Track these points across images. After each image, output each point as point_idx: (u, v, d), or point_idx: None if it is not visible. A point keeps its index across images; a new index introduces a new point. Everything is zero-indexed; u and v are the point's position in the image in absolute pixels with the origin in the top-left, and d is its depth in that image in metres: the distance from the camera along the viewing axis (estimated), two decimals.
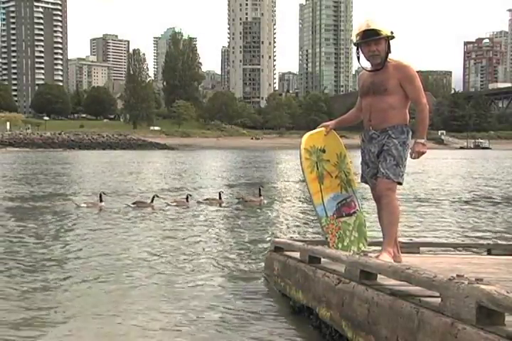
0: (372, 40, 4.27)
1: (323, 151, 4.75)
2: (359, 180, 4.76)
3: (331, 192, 4.73)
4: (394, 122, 4.30)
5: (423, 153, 4.26)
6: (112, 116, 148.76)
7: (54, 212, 11.72)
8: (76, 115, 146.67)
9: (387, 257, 4.14)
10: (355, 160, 5.14)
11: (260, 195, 13.69)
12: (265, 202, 13.61)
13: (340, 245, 4.69)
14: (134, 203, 12.77)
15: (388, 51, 4.32)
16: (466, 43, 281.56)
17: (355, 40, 4.38)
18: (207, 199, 13.66)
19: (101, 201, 12.56)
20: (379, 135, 4.34)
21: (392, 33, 4.33)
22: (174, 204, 13.02)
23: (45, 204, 13.22)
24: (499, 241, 7.30)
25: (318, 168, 4.70)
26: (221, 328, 4.41)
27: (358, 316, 3.52)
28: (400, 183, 4.32)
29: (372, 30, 4.27)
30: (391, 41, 4.35)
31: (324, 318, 4.03)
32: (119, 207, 12.60)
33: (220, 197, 13.49)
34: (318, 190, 4.67)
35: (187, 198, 13.20)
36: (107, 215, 11.42)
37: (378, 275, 3.61)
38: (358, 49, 4.42)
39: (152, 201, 12.77)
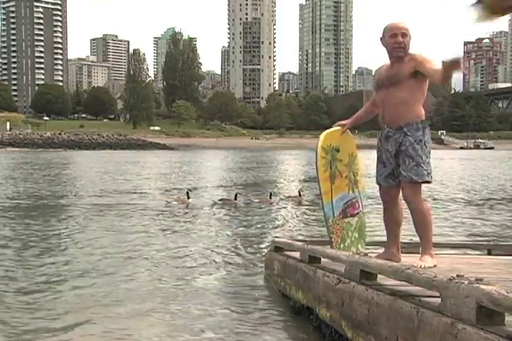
0: (400, 32, 4.25)
1: (338, 150, 4.75)
2: (374, 181, 4.55)
3: (340, 192, 4.73)
4: (408, 118, 4.19)
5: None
6: (112, 116, 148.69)
7: (149, 209, 12.43)
8: (76, 115, 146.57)
9: (430, 259, 4.07)
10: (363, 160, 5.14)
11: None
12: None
13: (342, 245, 4.69)
14: (220, 200, 13.60)
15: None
16: (465, 43, 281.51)
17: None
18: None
19: (188, 198, 13.35)
20: (394, 133, 4.23)
21: None
22: (257, 201, 13.67)
23: (136, 202, 13.84)
24: (499, 242, 7.31)
25: (331, 168, 4.70)
26: (220, 328, 4.41)
27: (357, 316, 3.52)
28: (428, 182, 4.18)
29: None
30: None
31: (324, 318, 4.03)
32: (204, 204, 13.44)
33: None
34: (329, 190, 4.67)
35: (270, 195, 13.86)
36: (192, 211, 12.28)
37: (378, 275, 3.62)
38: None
39: (235, 198, 13.43)
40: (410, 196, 4.17)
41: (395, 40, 4.24)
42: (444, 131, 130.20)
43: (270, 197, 13.74)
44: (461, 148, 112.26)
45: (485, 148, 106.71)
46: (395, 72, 4.26)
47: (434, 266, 3.98)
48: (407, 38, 4.25)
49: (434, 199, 14.75)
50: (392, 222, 4.44)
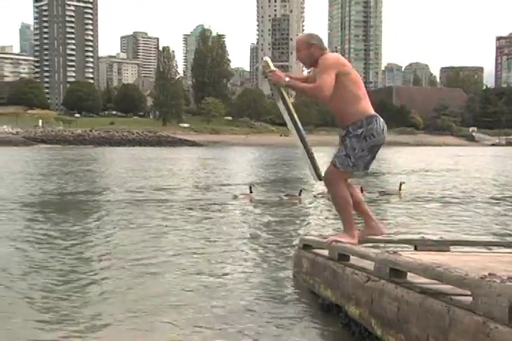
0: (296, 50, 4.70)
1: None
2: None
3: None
4: (351, 119, 4.47)
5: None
6: (142, 113, 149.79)
7: (218, 202, 13.08)
8: (106, 112, 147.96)
9: (347, 236, 4.61)
10: None
11: (400, 189, 14.79)
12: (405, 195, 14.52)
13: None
14: (285, 195, 13.81)
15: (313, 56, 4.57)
16: (498, 38, 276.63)
17: None
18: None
19: (251, 192, 13.72)
20: (345, 133, 4.55)
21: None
22: (320, 196, 13.90)
23: (207, 196, 14.33)
24: None
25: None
26: (249, 325, 4.41)
27: (387, 314, 3.50)
28: (351, 172, 4.55)
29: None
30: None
31: (353, 316, 4.02)
32: (268, 199, 13.72)
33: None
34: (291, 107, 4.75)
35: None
36: (253, 205, 12.61)
37: (408, 273, 3.59)
38: None
39: (300, 194, 13.57)
40: (330, 179, 4.57)
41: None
42: (475, 128, 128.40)
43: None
44: (493, 145, 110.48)
45: None
46: None
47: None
48: (301, 51, 4.61)
49: (464, 198, 14.57)
50: (354, 202, 4.71)
